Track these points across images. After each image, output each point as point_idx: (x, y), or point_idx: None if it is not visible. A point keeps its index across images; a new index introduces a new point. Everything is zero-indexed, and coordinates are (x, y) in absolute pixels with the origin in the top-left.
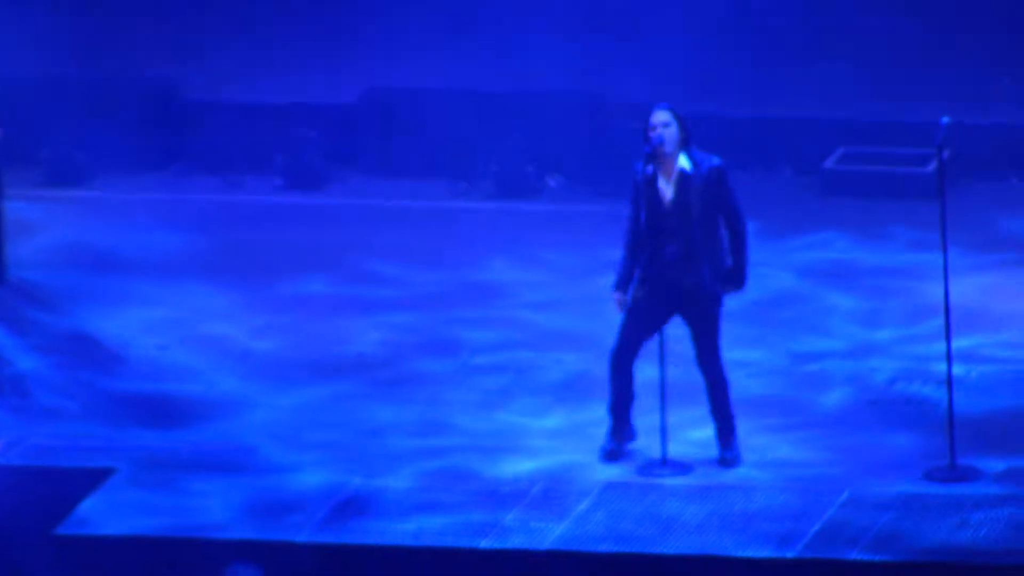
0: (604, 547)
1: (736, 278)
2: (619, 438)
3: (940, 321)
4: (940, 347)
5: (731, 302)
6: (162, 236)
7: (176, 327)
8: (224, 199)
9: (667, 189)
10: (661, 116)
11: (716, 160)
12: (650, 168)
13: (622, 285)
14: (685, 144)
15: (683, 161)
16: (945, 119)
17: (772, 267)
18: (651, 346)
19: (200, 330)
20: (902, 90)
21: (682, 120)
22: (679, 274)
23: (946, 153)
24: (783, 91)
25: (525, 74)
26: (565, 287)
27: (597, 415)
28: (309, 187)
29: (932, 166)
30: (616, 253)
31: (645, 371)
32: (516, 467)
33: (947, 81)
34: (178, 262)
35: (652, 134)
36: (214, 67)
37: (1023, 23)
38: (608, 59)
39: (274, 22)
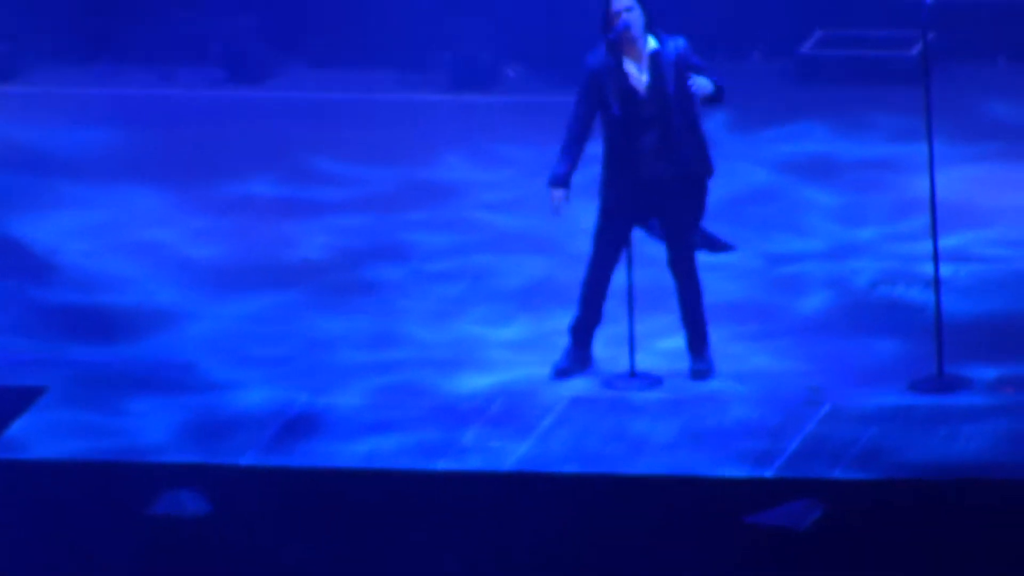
0: (569, 467)
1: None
2: (574, 361)
3: (926, 218)
4: (926, 246)
5: None
6: (92, 134)
7: (109, 232)
8: (158, 93)
9: (640, 75)
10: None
11: (680, 39)
12: (612, 59)
13: (560, 180)
14: (649, 27)
15: (652, 42)
16: None
17: (744, 161)
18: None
19: (134, 235)
20: None
21: (644, 1)
22: (661, 165)
23: (931, 34)
24: None
25: None
26: (526, 185)
27: (562, 324)
28: (250, 79)
29: (916, 49)
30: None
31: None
32: (474, 382)
33: None
34: (109, 162)
35: (616, 20)
36: None
37: None
38: None
39: None
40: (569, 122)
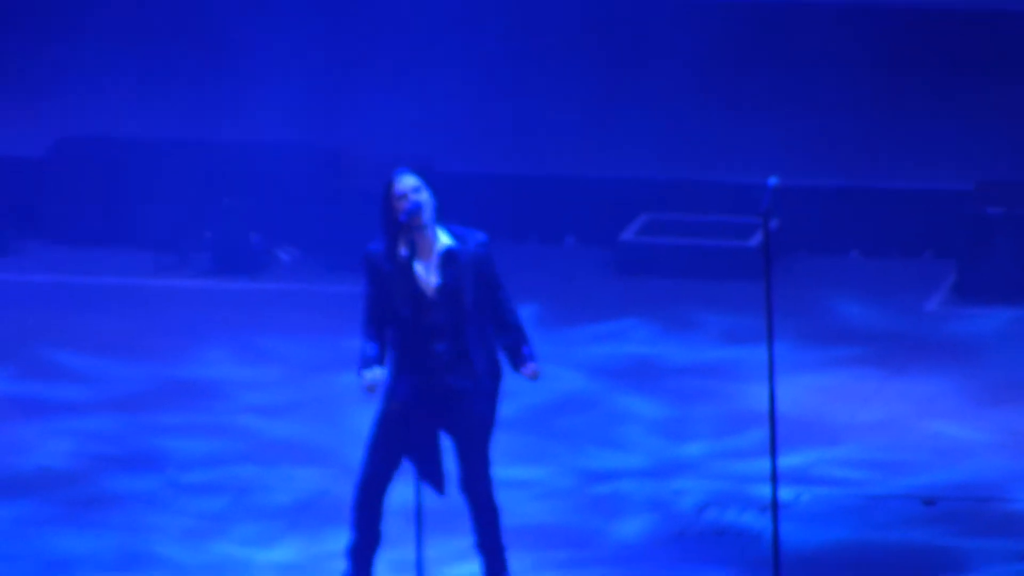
0: None
1: (528, 357)
2: None
3: (762, 432)
4: (763, 465)
5: (507, 408)
6: None
7: None
8: None
9: (430, 274)
10: (408, 181)
11: (481, 235)
12: (404, 250)
13: (369, 364)
14: (440, 216)
15: (444, 237)
16: (772, 179)
17: (556, 364)
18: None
19: None
20: (715, 145)
21: (433, 184)
22: (450, 377)
23: (773, 222)
24: (565, 144)
25: (249, 124)
26: (298, 386)
27: (338, 545)
28: None
29: (756, 238)
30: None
31: (396, 492)
32: None
33: (773, 131)
34: None
35: (403, 204)
36: None
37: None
38: (347, 108)
39: None
40: (365, 307)
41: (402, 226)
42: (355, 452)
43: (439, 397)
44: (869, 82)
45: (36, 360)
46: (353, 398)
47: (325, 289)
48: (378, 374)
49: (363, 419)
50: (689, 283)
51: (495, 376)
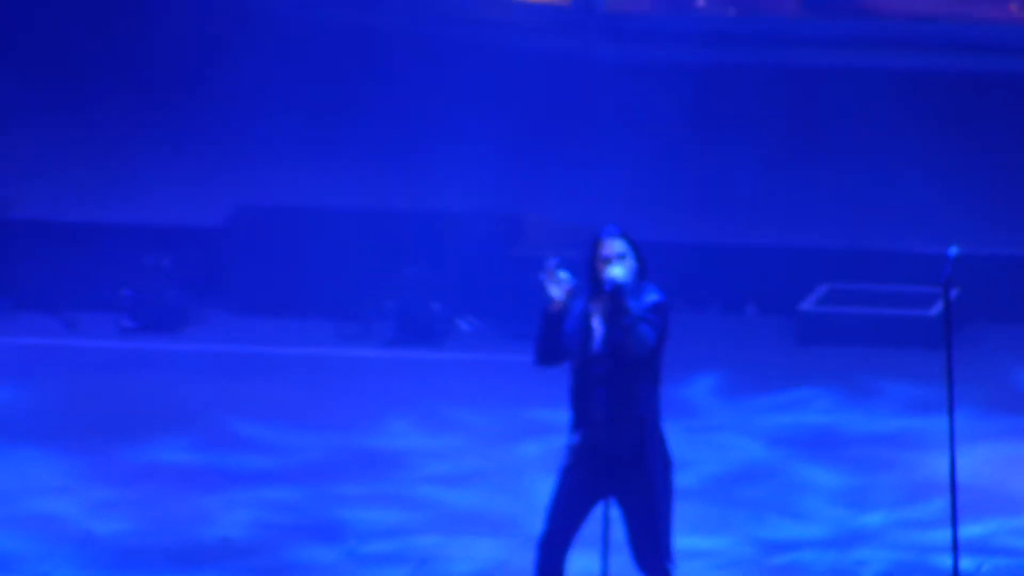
0: None
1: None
2: None
3: (943, 502)
4: (944, 535)
5: (686, 478)
6: None
7: None
8: (59, 343)
9: (599, 329)
10: (616, 246)
11: (655, 297)
12: (589, 305)
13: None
14: (641, 279)
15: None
16: (953, 249)
17: (736, 433)
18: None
19: (28, 507)
20: (897, 215)
21: (637, 248)
22: (609, 436)
23: (954, 291)
24: (747, 214)
25: (429, 193)
26: (479, 455)
27: None
28: (163, 328)
29: (936, 307)
30: (541, 413)
31: (580, 562)
32: None
33: (951, 204)
34: (1, 421)
35: (603, 267)
36: (48, 183)
37: None
38: (527, 177)
39: (120, 130)
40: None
41: (598, 286)
42: (536, 522)
43: (600, 458)
44: None
45: (218, 430)
46: (535, 468)
47: (506, 358)
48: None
49: (545, 489)
50: (869, 352)
51: (654, 443)
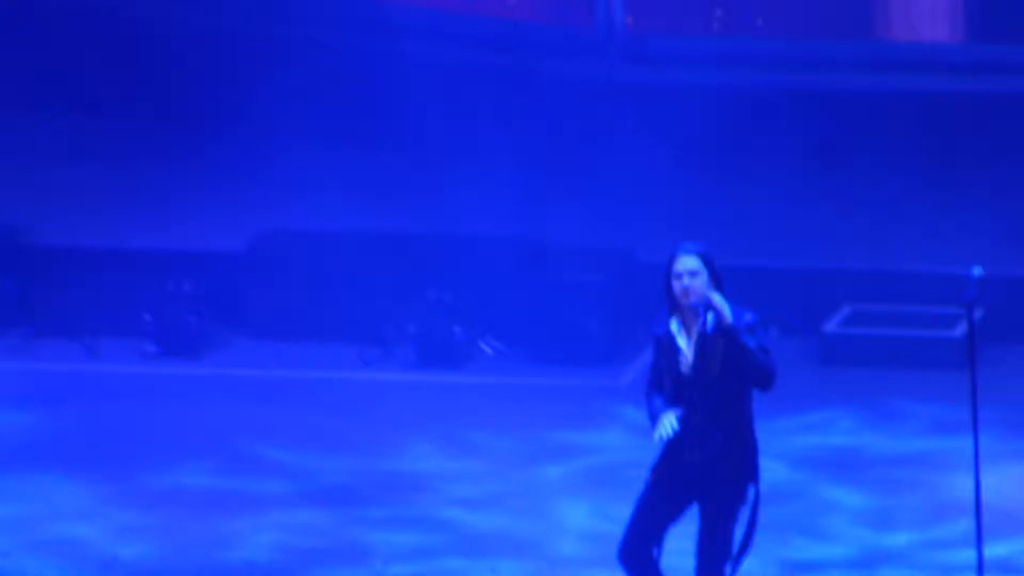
0: None
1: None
2: None
3: (968, 523)
4: (969, 555)
5: None
6: (4, 415)
7: (23, 528)
8: (81, 369)
9: (688, 351)
10: (688, 263)
11: (746, 316)
12: (672, 325)
13: (657, 415)
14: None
15: (709, 318)
16: (977, 269)
17: (761, 454)
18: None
19: (53, 532)
20: (918, 235)
21: (713, 267)
22: (691, 453)
23: (978, 312)
24: (767, 234)
25: (452, 216)
26: (503, 478)
27: None
28: (185, 354)
29: (960, 328)
30: (564, 436)
31: None
32: None
33: (976, 220)
34: (25, 447)
35: (676, 284)
36: (69, 208)
37: None
38: (550, 200)
39: (141, 156)
40: (648, 375)
41: (675, 302)
42: (560, 545)
43: (681, 473)
44: None
45: (241, 454)
46: (557, 490)
47: (529, 382)
48: (669, 416)
49: (568, 511)
50: (893, 373)
51: (742, 464)
